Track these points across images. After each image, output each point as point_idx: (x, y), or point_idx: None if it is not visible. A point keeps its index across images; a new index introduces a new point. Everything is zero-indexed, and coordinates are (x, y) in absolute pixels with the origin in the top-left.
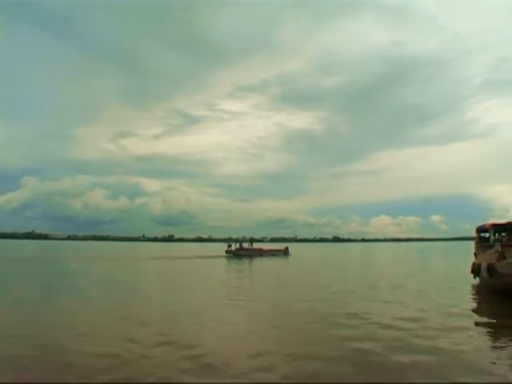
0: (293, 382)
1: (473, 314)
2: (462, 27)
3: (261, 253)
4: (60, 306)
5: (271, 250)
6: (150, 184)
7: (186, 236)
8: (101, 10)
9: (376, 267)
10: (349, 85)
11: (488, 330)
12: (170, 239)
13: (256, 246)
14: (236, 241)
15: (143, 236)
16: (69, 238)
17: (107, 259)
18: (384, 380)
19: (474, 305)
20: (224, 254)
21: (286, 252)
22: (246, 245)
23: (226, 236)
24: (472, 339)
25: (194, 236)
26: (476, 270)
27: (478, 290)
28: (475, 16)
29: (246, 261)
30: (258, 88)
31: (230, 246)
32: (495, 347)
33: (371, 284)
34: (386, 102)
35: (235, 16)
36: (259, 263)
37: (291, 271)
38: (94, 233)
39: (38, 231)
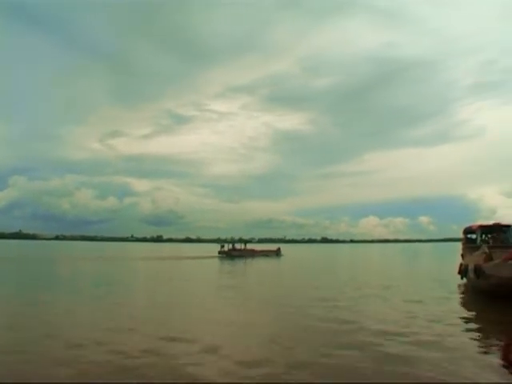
0: (292, 381)
1: (460, 314)
2: (452, 30)
3: (253, 253)
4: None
5: (263, 251)
6: (139, 184)
7: (174, 236)
8: (91, 9)
9: (366, 268)
10: (338, 86)
11: (476, 330)
12: (158, 239)
13: (248, 246)
14: (225, 241)
15: (132, 236)
16: (57, 238)
17: (95, 259)
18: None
19: (462, 306)
20: (217, 254)
21: (278, 253)
22: (238, 245)
23: (214, 236)
24: (461, 340)
25: (182, 236)
26: (463, 271)
27: (465, 291)
28: (464, 19)
29: (239, 261)
30: (248, 88)
31: (222, 246)
32: (483, 348)
33: (361, 285)
34: (375, 103)
35: (225, 16)
36: (253, 264)
37: (286, 271)
38: (83, 233)
39: (25, 231)
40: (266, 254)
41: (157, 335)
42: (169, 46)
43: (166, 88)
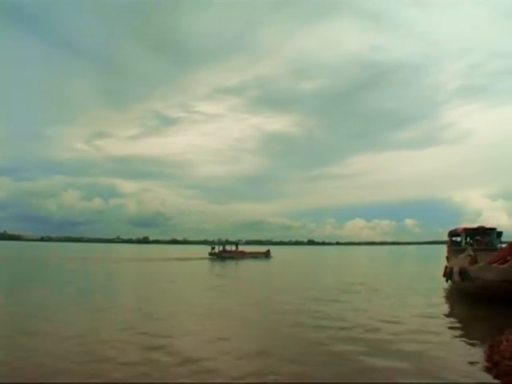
0: (292, 382)
1: (445, 316)
2: (439, 33)
3: (243, 255)
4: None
5: (253, 253)
6: (126, 185)
7: (161, 238)
8: (78, 9)
9: (353, 270)
10: (326, 88)
11: (461, 332)
12: (144, 241)
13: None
14: (212, 243)
15: (118, 238)
16: (42, 239)
17: (84, 260)
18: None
19: (447, 308)
20: (207, 256)
21: (267, 254)
22: (228, 247)
23: (201, 238)
24: (445, 341)
25: (168, 238)
26: (448, 274)
27: (450, 294)
28: (451, 22)
29: (229, 263)
30: (236, 90)
31: (213, 248)
32: (468, 349)
33: (349, 287)
34: (362, 105)
35: (214, 18)
36: (244, 265)
37: (276, 273)
38: (68, 234)
39: (10, 232)
40: (255, 255)
41: (136, 345)
42: (157, 47)
43: (153, 89)
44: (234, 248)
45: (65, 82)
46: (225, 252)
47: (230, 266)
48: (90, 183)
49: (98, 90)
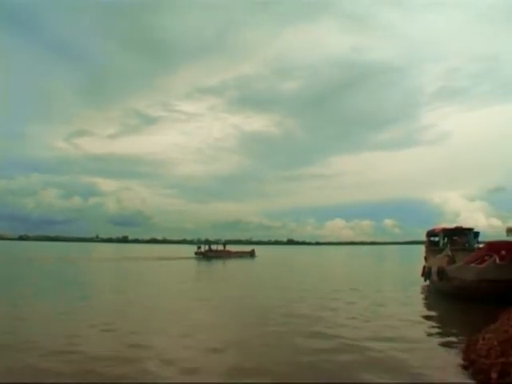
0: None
1: (423, 315)
2: (419, 36)
3: (229, 254)
4: None
5: (238, 252)
6: (105, 184)
7: (140, 237)
8: (58, 8)
9: (335, 270)
10: (306, 89)
11: (438, 331)
12: (124, 240)
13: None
14: (191, 242)
15: (97, 237)
16: (20, 238)
17: (58, 260)
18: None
19: (424, 307)
20: (192, 255)
21: (252, 254)
22: (214, 247)
23: (180, 238)
24: (423, 340)
25: (148, 237)
26: (427, 274)
27: (428, 293)
28: (431, 26)
29: (216, 262)
30: (216, 90)
31: (199, 247)
32: (445, 348)
33: (331, 287)
34: (342, 106)
35: (194, 17)
36: (230, 264)
37: (261, 271)
38: (47, 233)
39: None
40: (241, 255)
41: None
42: (137, 45)
43: (133, 88)
44: (220, 247)
45: (44, 80)
46: (211, 251)
47: (217, 265)
48: (69, 182)
49: (78, 89)
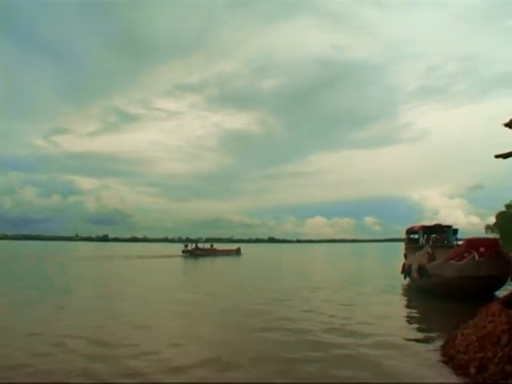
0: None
1: (403, 312)
2: (398, 35)
3: (215, 253)
4: None
5: (224, 250)
6: (85, 182)
7: (120, 236)
8: (36, 4)
9: (318, 267)
10: (286, 87)
11: (418, 327)
12: (104, 239)
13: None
14: (172, 241)
15: (77, 235)
16: None
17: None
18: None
19: (404, 304)
20: (178, 253)
21: (238, 252)
22: (201, 245)
23: (161, 236)
24: (403, 337)
25: (128, 236)
26: (406, 271)
27: (409, 290)
28: (411, 25)
29: (203, 260)
30: (196, 87)
31: (186, 246)
32: (425, 344)
33: (312, 285)
34: (321, 104)
35: (174, 15)
36: (218, 262)
37: (251, 269)
38: (25, 232)
39: None
40: (227, 253)
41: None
42: (117, 42)
43: (113, 85)
44: (207, 246)
45: (22, 77)
46: (198, 250)
47: (205, 263)
48: (48, 180)
49: (57, 86)
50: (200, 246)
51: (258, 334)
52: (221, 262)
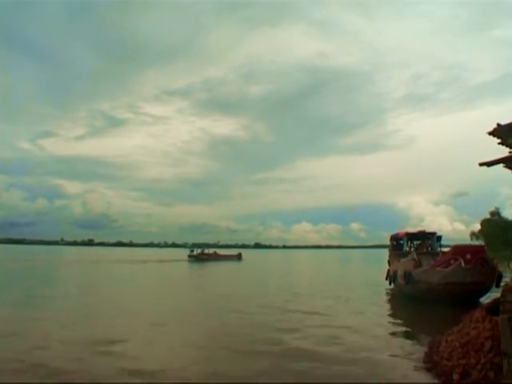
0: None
1: (388, 318)
2: (386, 43)
3: (219, 257)
4: None
5: (227, 255)
6: (71, 186)
7: (106, 240)
8: (23, 6)
9: (312, 273)
10: (273, 93)
11: (403, 333)
12: (89, 243)
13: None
14: (158, 246)
15: (62, 240)
16: None
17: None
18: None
19: (389, 310)
20: (182, 258)
21: (239, 257)
22: (206, 250)
23: (147, 241)
24: (387, 343)
25: (114, 240)
26: (391, 277)
27: (393, 296)
28: (398, 33)
29: (208, 264)
30: (183, 93)
31: (192, 251)
32: (409, 349)
33: (302, 291)
34: (308, 111)
35: (162, 20)
36: (224, 266)
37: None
38: (9, 235)
39: None
40: (230, 258)
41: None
42: (104, 46)
43: (100, 89)
44: (211, 251)
45: (8, 80)
46: (203, 255)
47: (211, 267)
48: (33, 183)
49: (42, 88)
50: (205, 251)
51: None
52: (225, 266)
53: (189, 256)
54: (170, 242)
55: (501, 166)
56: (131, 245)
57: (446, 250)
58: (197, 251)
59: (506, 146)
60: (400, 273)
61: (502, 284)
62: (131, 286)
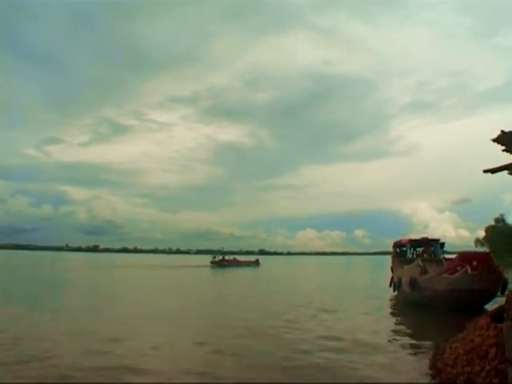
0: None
1: (392, 325)
2: (388, 51)
3: (238, 263)
4: None
5: (246, 262)
6: (76, 192)
7: (111, 246)
8: (30, 14)
9: (317, 278)
10: (277, 100)
11: (408, 340)
12: (94, 249)
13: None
14: (163, 252)
15: (67, 245)
16: None
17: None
18: None
19: (394, 317)
20: (209, 264)
21: (257, 263)
22: (227, 257)
23: (151, 247)
24: (392, 350)
25: (119, 246)
26: (396, 284)
27: (398, 303)
28: (399, 41)
29: (229, 270)
30: (188, 100)
31: (214, 257)
32: (414, 357)
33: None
34: (312, 118)
35: (168, 27)
36: (243, 272)
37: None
38: (15, 241)
39: None
40: (248, 264)
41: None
42: (110, 53)
43: (105, 96)
44: (231, 258)
45: (14, 87)
46: (224, 261)
47: (231, 273)
48: (39, 189)
49: (49, 96)
50: (226, 257)
51: None
52: (245, 272)
53: (211, 262)
54: (174, 249)
55: (505, 172)
56: (136, 251)
57: (449, 256)
58: (218, 257)
59: (510, 152)
60: (405, 280)
61: (507, 291)
62: (176, 293)
